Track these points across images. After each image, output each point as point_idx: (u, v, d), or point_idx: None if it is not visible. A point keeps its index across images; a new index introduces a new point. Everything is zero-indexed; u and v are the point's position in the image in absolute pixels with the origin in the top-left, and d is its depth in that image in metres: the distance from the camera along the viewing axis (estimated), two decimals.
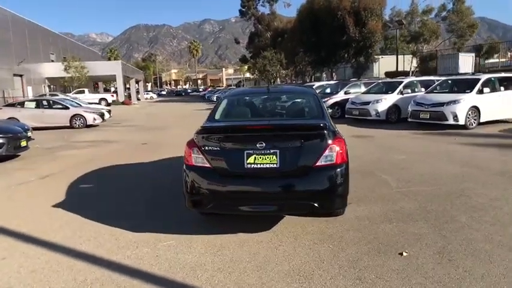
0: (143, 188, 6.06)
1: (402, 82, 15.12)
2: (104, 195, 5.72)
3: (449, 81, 13.96)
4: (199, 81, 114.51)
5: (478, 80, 12.17)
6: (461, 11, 29.19)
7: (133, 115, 25.02)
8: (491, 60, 31.84)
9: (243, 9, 59.79)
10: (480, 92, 11.79)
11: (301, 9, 39.52)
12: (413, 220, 4.17)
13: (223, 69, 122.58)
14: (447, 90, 13.41)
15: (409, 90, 14.84)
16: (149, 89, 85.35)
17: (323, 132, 3.55)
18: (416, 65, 31.44)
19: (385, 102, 14.30)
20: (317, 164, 3.50)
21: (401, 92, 14.57)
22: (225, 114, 4.39)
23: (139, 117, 23.47)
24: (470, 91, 11.87)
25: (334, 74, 42.77)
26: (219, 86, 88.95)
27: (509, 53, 41.84)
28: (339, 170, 3.54)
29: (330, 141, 3.55)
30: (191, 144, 3.78)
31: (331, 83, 20.76)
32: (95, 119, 16.74)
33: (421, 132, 11.25)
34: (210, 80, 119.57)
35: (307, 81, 46.10)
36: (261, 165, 3.52)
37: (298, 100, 4.70)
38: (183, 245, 3.76)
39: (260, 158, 3.52)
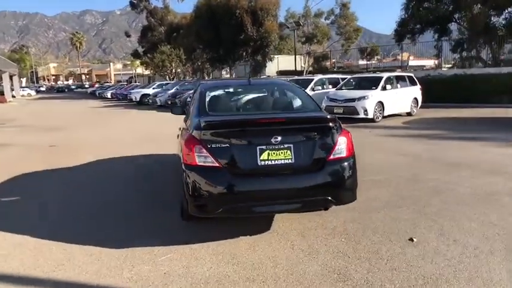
0: (91, 198, 5.20)
1: (313, 79, 16.10)
2: (45, 209, 4.72)
3: (353, 80, 15.33)
4: (83, 77, 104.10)
5: (381, 78, 13.65)
6: (347, 16, 32.44)
7: (15, 114, 21.47)
8: (372, 61, 36.23)
9: (134, 1, 56.37)
10: (384, 88, 13.22)
11: (198, 5, 38.78)
12: (397, 207, 4.41)
13: (111, 64, 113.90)
14: (352, 87, 14.70)
15: (320, 87, 15.87)
16: (24, 84, 74.29)
17: (334, 125, 3.48)
18: (310, 64, 33.85)
19: None
20: (330, 157, 3.42)
21: (312, 89, 15.47)
22: (217, 107, 3.97)
23: (24, 116, 20.24)
24: (376, 88, 13.23)
25: (233, 71, 43.28)
26: (107, 82, 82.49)
27: (377, 57, 48.14)
28: (350, 162, 3.52)
29: (340, 134, 3.50)
30: (192, 141, 3.32)
31: None
32: None
33: None
34: (96, 75, 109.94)
35: (206, 78, 45.84)
36: (276, 162, 3.28)
37: (286, 93, 4.54)
38: (186, 257, 3.30)
39: (274, 153, 3.28)
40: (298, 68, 31.72)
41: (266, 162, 3.27)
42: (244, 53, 36.96)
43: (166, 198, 5.01)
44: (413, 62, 39.85)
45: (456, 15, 23.73)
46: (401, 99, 14.04)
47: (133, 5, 56.37)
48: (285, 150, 3.30)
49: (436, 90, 18.61)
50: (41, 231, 3.95)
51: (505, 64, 21.78)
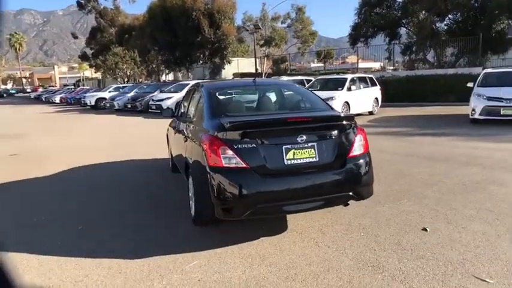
0: (83, 208, 4.91)
1: None
2: (33, 223, 4.36)
3: (319, 81, 15.78)
4: (24, 81, 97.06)
5: (346, 79, 14.19)
6: (303, 20, 33.33)
7: None
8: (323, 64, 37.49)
9: (81, 1, 53.87)
10: (349, 89, 13.75)
11: (152, 6, 37.90)
12: (397, 200, 4.62)
13: (56, 67, 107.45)
14: (318, 89, 15.10)
15: None
16: None
17: (352, 123, 3.60)
18: (268, 67, 34.36)
19: None
20: (351, 154, 3.52)
21: None
22: (231, 108, 3.93)
23: None
24: (342, 89, 13.72)
25: (190, 74, 42.74)
26: (52, 86, 77.81)
27: (330, 60, 49.67)
28: (367, 158, 3.65)
29: (357, 131, 3.62)
30: (217, 142, 3.26)
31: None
32: None
33: None
34: (38, 79, 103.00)
35: (161, 80, 44.78)
36: (301, 160, 3.32)
37: (294, 93, 4.58)
38: (214, 262, 3.23)
39: (299, 152, 3.32)
40: (253, 71, 32.06)
41: (292, 161, 3.30)
42: (201, 55, 36.73)
43: (166, 204, 4.86)
44: (361, 65, 41.90)
45: (404, 21, 25.26)
46: (365, 99, 14.66)
47: (80, 5, 53.87)
48: (309, 149, 3.35)
49: (390, 91, 19.61)
50: (38, 247, 3.67)
51: (447, 66, 23.51)
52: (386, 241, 3.48)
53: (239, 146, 3.21)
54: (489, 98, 9.96)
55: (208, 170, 3.29)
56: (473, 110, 10.32)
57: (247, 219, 3.42)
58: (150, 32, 36.55)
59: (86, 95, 26.73)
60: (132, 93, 22.63)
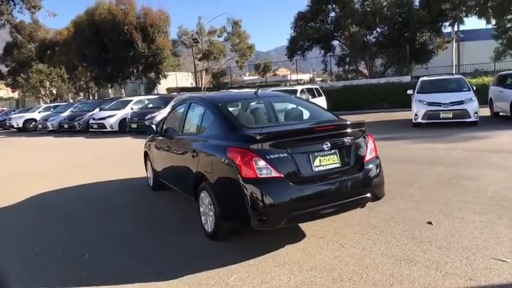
0: (77, 235, 4.54)
1: None
2: (34, 254, 3.94)
3: None
4: None
5: (296, 90, 14.88)
6: (239, 34, 34.06)
7: None
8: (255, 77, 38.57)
9: None
10: None
11: (77, 20, 36.07)
12: (390, 199, 4.94)
13: None
14: None
15: None
16: None
17: (364, 129, 3.86)
18: (208, 81, 34.43)
19: None
20: (366, 158, 3.77)
21: None
22: (246, 121, 3.95)
23: None
24: None
25: (123, 89, 41.21)
26: None
27: (263, 72, 51.01)
28: (378, 161, 3.93)
29: (368, 136, 3.89)
30: (249, 154, 3.28)
31: (153, 98, 20.05)
32: None
33: None
34: None
35: (91, 98, 42.45)
36: (326, 167, 3.50)
37: (298, 104, 4.68)
38: (254, 273, 3.23)
39: (324, 159, 3.49)
40: (188, 85, 31.91)
41: (319, 168, 3.45)
42: (135, 71, 35.60)
43: (164, 224, 4.71)
44: (293, 76, 43.82)
45: (337, 34, 27.12)
46: None
47: None
48: (333, 155, 3.54)
49: (330, 100, 20.84)
50: (52, 279, 3.34)
51: (378, 76, 25.64)
52: (402, 237, 3.76)
53: (271, 156, 3.29)
54: (430, 103, 11.09)
55: (241, 182, 3.29)
56: (416, 114, 11.40)
57: (283, 227, 3.47)
58: (77, 47, 34.72)
59: (12, 116, 24.35)
60: (67, 113, 21.16)
